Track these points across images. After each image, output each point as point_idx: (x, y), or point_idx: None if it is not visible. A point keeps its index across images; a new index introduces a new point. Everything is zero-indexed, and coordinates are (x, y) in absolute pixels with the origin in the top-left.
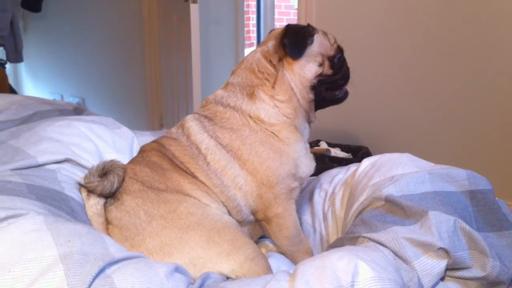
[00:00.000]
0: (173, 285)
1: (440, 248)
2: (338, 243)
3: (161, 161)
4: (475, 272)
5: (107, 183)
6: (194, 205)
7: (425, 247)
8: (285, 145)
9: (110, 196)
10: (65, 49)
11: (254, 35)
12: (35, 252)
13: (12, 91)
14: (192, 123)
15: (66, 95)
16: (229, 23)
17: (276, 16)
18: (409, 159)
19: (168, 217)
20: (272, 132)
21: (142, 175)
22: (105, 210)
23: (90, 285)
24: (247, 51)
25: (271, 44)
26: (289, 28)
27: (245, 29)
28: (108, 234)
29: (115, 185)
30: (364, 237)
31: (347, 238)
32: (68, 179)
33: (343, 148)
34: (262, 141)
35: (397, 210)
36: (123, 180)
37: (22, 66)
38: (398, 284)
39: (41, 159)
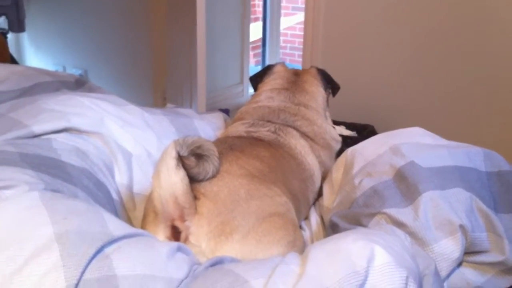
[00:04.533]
0: (176, 266)
1: (461, 226)
2: (351, 219)
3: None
4: (494, 256)
5: (202, 170)
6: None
7: (445, 227)
8: None
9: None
10: (68, 20)
11: (259, 9)
12: (30, 231)
13: (13, 61)
14: None
15: (69, 66)
16: None
17: None
18: (425, 132)
19: (264, 200)
20: None
21: (250, 166)
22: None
23: (87, 266)
24: (253, 26)
25: None
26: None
27: (251, 3)
28: (196, 206)
29: (209, 175)
30: (384, 213)
31: (363, 214)
32: (65, 146)
33: (348, 126)
34: None
35: (407, 184)
36: (217, 170)
37: (24, 36)
38: (413, 272)
39: (36, 129)
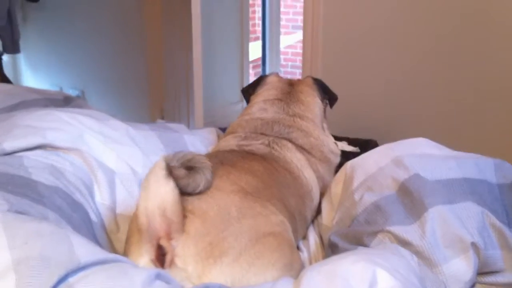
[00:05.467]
0: None
1: (473, 244)
2: (352, 238)
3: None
4: (509, 276)
5: (192, 181)
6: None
7: (456, 245)
8: None
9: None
10: (65, 41)
11: (259, 28)
12: None
13: (7, 81)
14: None
15: (66, 87)
16: (234, 17)
17: (282, 9)
18: (429, 143)
19: (258, 219)
20: None
21: (243, 182)
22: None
23: None
24: (252, 45)
25: None
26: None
27: (250, 22)
28: (185, 223)
29: (199, 188)
30: (387, 231)
31: (365, 233)
32: (38, 164)
33: (351, 141)
34: None
35: (412, 199)
36: (209, 184)
37: (21, 57)
38: None
39: (7, 146)
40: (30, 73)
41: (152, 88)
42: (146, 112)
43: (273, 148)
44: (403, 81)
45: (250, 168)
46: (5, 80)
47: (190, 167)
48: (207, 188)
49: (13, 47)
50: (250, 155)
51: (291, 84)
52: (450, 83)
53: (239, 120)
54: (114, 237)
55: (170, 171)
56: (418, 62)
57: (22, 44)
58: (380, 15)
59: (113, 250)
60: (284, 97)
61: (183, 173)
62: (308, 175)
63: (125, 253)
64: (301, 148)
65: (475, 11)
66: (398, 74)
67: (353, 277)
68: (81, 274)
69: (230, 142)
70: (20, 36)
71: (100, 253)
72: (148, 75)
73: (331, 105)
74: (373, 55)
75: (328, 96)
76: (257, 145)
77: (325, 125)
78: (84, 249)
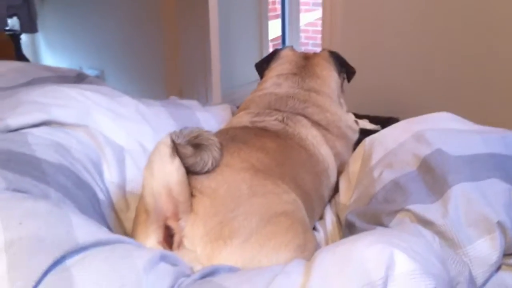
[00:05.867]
0: (154, 279)
1: (499, 223)
2: (370, 217)
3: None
4: None
5: (199, 159)
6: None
7: (480, 224)
8: None
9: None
10: (84, 21)
11: (279, 6)
12: None
13: (25, 61)
14: None
15: (85, 67)
16: None
17: None
18: (453, 117)
19: (269, 197)
20: None
21: (254, 159)
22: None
23: (40, 280)
24: (272, 23)
25: None
26: None
27: (270, 0)
28: (192, 203)
29: (207, 167)
30: (407, 210)
31: (384, 212)
32: (43, 141)
33: (372, 119)
34: None
35: (434, 176)
36: (217, 163)
37: (40, 37)
38: (443, 281)
39: (12, 122)
40: (49, 53)
41: (169, 68)
42: (164, 92)
43: (287, 124)
44: (425, 57)
45: (262, 145)
46: (24, 60)
47: (197, 144)
48: (216, 166)
49: (30, 27)
50: (262, 131)
51: (307, 58)
52: (478, 58)
53: (252, 96)
54: (123, 216)
55: (176, 149)
56: (441, 37)
57: (40, 24)
58: None
59: (123, 229)
60: (299, 71)
61: (190, 151)
62: (325, 152)
63: (132, 234)
64: (317, 124)
65: None
66: (420, 50)
67: (368, 259)
68: (79, 256)
69: (243, 118)
70: (38, 15)
71: (101, 234)
72: (166, 55)
73: (349, 79)
74: (394, 32)
75: (346, 69)
76: (271, 122)
77: (342, 100)
78: (84, 230)
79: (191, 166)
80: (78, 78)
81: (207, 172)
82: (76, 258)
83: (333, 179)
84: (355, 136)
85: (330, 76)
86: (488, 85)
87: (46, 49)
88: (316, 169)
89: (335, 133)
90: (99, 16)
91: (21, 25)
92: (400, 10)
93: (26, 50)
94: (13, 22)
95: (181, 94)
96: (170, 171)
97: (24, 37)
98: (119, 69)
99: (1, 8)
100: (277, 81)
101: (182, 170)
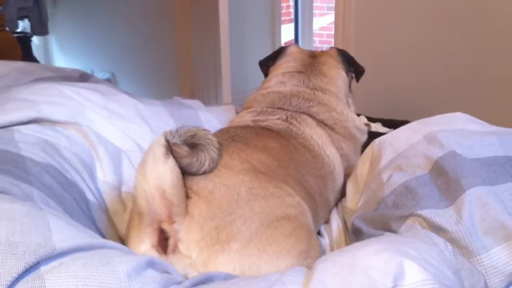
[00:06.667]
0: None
1: None
2: (378, 222)
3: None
4: None
5: (195, 160)
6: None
7: (497, 232)
8: None
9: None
10: (95, 23)
11: (291, 10)
12: None
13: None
14: None
15: (97, 70)
16: None
17: None
18: (467, 118)
19: (270, 200)
20: None
21: (255, 160)
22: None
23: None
24: (284, 28)
25: None
26: None
27: (284, 4)
28: (188, 205)
29: (204, 168)
30: (418, 215)
31: (393, 217)
32: (30, 139)
33: (385, 122)
34: None
35: (447, 180)
36: (215, 164)
37: (52, 40)
38: None
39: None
40: (61, 56)
41: (182, 72)
42: (176, 95)
43: (291, 123)
44: (439, 60)
45: (264, 145)
46: (34, 62)
47: (193, 144)
48: (213, 167)
49: (41, 29)
50: (265, 131)
51: (313, 56)
52: (496, 60)
53: (255, 94)
54: (118, 218)
55: (170, 149)
56: (455, 40)
57: (52, 26)
58: None
59: (116, 232)
60: (305, 69)
61: (185, 151)
62: (330, 153)
63: (125, 238)
64: (322, 123)
65: None
66: (434, 53)
67: (375, 269)
68: (56, 262)
69: (245, 117)
70: (49, 18)
71: (82, 239)
72: (178, 58)
73: (357, 78)
74: (407, 35)
75: (354, 68)
76: (274, 121)
77: (350, 100)
78: (62, 234)
79: (186, 167)
80: (82, 79)
81: (205, 173)
82: (52, 264)
83: (339, 181)
84: (364, 137)
85: (337, 75)
86: (506, 86)
87: (58, 52)
88: (321, 171)
89: (342, 133)
90: (111, 18)
91: (32, 27)
92: (412, 13)
93: (38, 53)
94: (24, 25)
95: (193, 97)
96: (163, 172)
97: (36, 40)
98: (131, 72)
99: (12, 10)
100: (281, 79)
101: (176, 171)
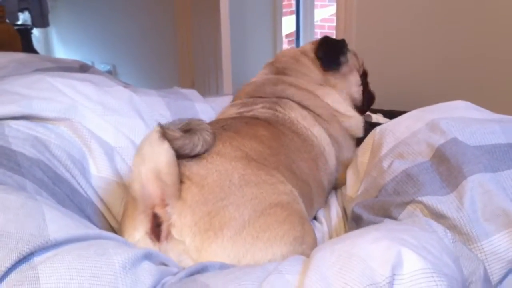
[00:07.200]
0: (133, 280)
1: None
2: (378, 209)
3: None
4: None
5: (189, 142)
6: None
7: (498, 218)
8: None
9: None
10: (96, 15)
11: (293, 1)
12: None
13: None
14: None
15: (97, 62)
16: None
17: None
18: (469, 105)
19: (263, 187)
20: None
21: (247, 148)
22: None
23: (2, 278)
24: (287, 19)
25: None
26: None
27: None
28: (180, 191)
29: (197, 149)
30: (419, 202)
31: (393, 203)
32: (20, 134)
33: (385, 113)
34: None
35: (449, 167)
36: (208, 146)
37: (53, 32)
38: (455, 281)
39: None
40: (62, 48)
41: (182, 64)
42: (177, 87)
43: (276, 110)
44: (440, 52)
45: (255, 133)
46: (33, 52)
47: (187, 130)
48: (206, 150)
49: (42, 21)
50: (254, 120)
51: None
52: (499, 51)
53: (238, 91)
54: (113, 211)
55: (164, 133)
56: (457, 30)
57: (53, 18)
58: None
59: (109, 227)
60: (275, 60)
61: (178, 133)
62: (318, 133)
63: (120, 230)
64: (300, 105)
65: None
66: (435, 45)
67: (372, 257)
68: (50, 253)
69: (230, 111)
70: (50, 10)
71: (77, 230)
72: (179, 50)
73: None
74: (409, 27)
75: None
76: (259, 109)
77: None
78: (57, 225)
79: (180, 148)
80: (81, 70)
81: (198, 155)
82: (47, 255)
83: (331, 163)
84: (350, 122)
85: (302, 58)
86: (506, 76)
87: (59, 44)
88: (312, 153)
89: (324, 116)
90: (112, 10)
91: (33, 19)
92: (415, 4)
93: (38, 45)
94: (25, 17)
95: (194, 87)
96: (159, 152)
97: (37, 32)
98: (131, 64)
99: (13, 2)
100: (259, 72)
101: (171, 152)
